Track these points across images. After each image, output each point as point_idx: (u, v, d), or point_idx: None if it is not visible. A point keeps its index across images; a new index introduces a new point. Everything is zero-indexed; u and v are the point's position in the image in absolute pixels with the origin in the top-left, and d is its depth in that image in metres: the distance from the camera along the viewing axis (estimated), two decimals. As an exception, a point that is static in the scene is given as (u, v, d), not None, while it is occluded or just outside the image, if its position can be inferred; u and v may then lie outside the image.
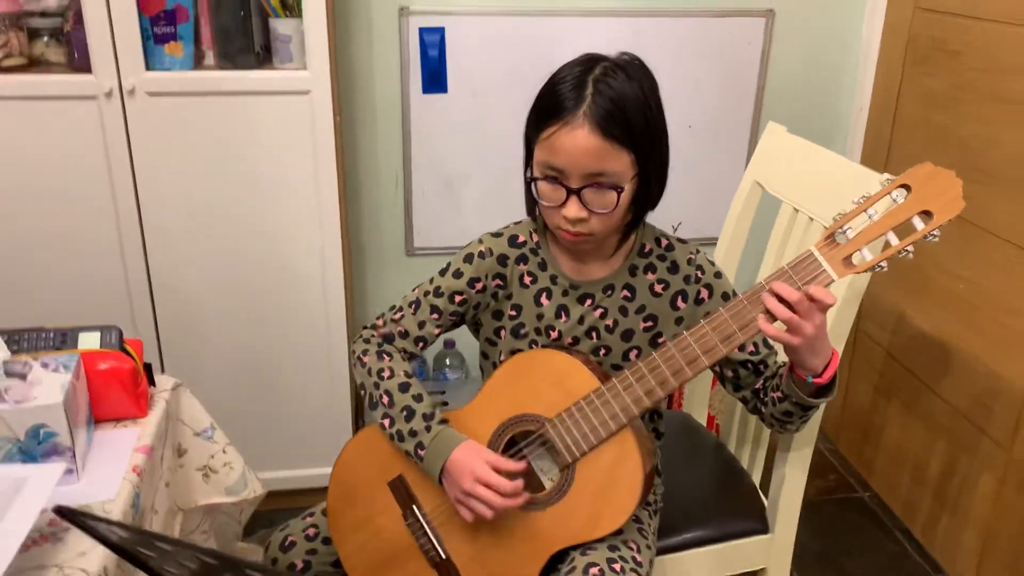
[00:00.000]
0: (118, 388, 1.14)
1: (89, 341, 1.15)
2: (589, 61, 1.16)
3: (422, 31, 2.15)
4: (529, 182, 1.20)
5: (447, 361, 2.45)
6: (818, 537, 2.18)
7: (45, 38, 1.85)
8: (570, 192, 1.14)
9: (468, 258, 1.30)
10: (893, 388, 2.29)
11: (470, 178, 2.32)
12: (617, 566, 1.18)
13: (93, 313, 1.88)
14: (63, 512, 0.72)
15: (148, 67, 1.79)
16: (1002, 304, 1.87)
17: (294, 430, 2.16)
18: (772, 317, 1.09)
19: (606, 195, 1.14)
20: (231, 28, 1.84)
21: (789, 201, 1.57)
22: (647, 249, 1.29)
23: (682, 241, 1.31)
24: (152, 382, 1.23)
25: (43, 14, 1.83)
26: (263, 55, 1.91)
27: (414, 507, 1.28)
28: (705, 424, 1.83)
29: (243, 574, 0.67)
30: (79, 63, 1.80)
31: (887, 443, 2.33)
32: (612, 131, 1.11)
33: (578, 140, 1.11)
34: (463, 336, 2.03)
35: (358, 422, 2.33)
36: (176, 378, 1.31)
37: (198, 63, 1.87)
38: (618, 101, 1.11)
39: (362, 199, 2.32)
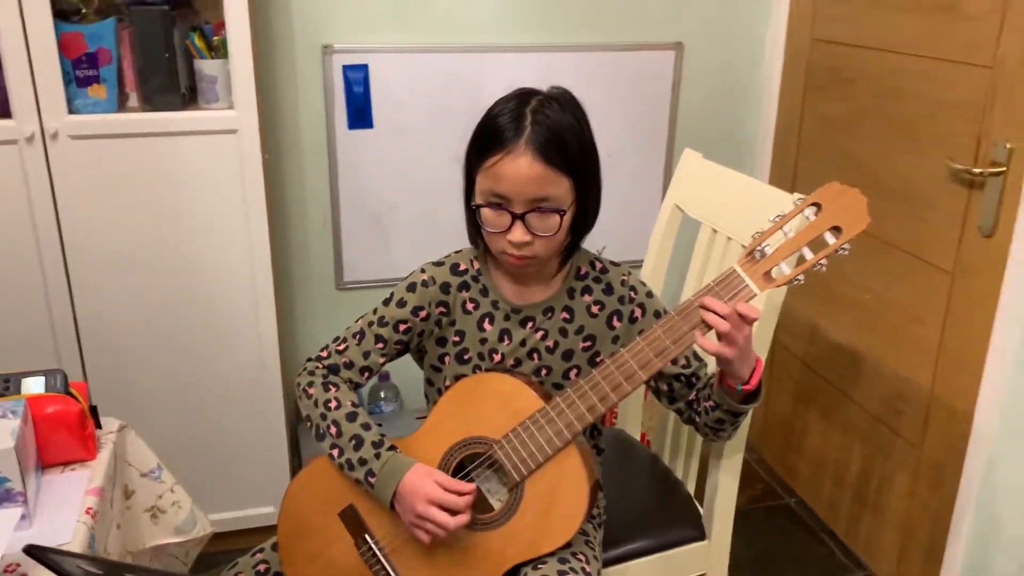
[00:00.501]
0: (65, 432, 1.12)
1: (33, 386, 1.14)
2: (524, 95, 1.22)
3: (346, 68, 2.19)
4: (474, 210, 1.25)
5: (382, 394, 2.46)
6: (749, 544, 2.27)
7: (-40, 83, 1.81)
8: (515, 217, 1.20)
9: (411, 287, 1.34)
10: (811, 397, 2.41)
11: (397, 212, 2.36)
12: (568, 577, 1.23)
13: (18, 358, 1.85)
14: (33, 552, 0.72)
15: (71, 110, 1.78)
16: (906, 312, 2.01)
17: (230, 471, 2.14)
18: (706, 329, 1.16)
19: (549, 219, 1.20)
20: (156, 70, 1.84)
21: (708, 222, 1.66)
22: (583, 272, 1.35)
23: (615, 264, 1.38)
24: (98, 424, 1.22)
25: (-42, 59, 1.80)
26: (188, 95, 1.92)
27: (366, 536, 1.30)
28: (639, 439, 1.89)
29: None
30: (-2, 108, 1.78)
31: (808, 450, 2.45)
32: (552, 158, 1.17)
33: (521, 168, 1.17)
34: (397, 368, 2.06)
35: (295, 460, 2.32)
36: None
37: (122, 105, 1.86)
38: (556, 129, 1.18)
39: (291, 235, 2.32)
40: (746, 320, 1.16)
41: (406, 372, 2.33)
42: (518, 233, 1.20)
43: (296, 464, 2.32)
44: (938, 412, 1.93)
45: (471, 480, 1.26)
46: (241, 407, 2.10)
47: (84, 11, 1.78)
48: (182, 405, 2.05)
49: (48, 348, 1.91)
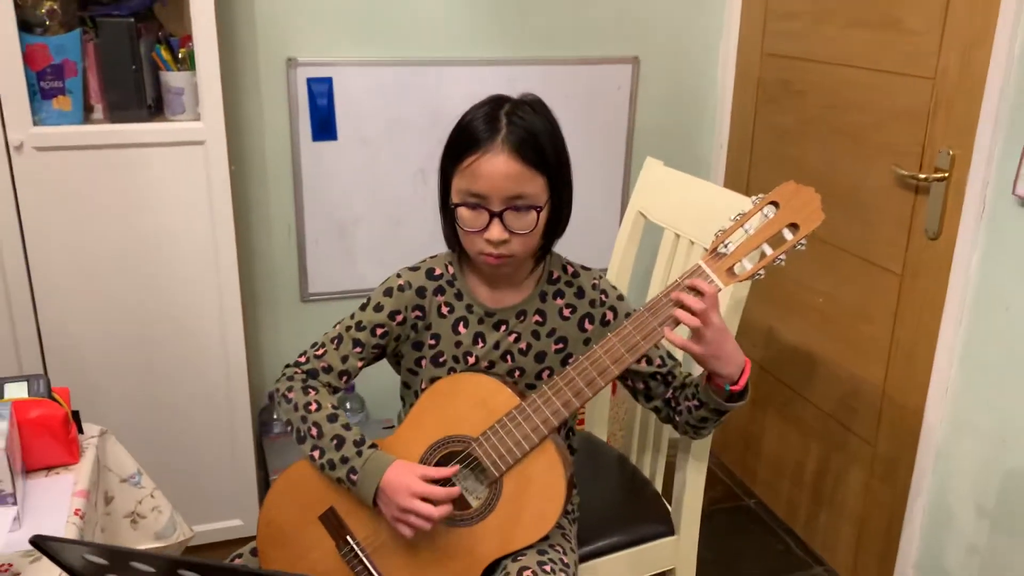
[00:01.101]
0: (49, 435, 1.13)
1: (17, 391, 1.14)
2: (496, 100, 1.27)
3: (310, 81, 2.21)
4: (451, 210, 1.28)
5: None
6: (712, 545, 2.32)
7: (-80, 95, 1.80)
8: (492, 215, 1.24)
9: (388, 292, 1.36)
10: (768, 399, 2.48)
11: (361, 223, 2.38)
12: (548, 567, 1.26)
13: (-20, 375, 1.82)
14: (37, 542, 0.73)
15: (35, 122, 1.78)
16: (856, 312, 2.09)
17: (197, 483, 2.13)
18: (675, 324, 1.21)
19: (526, 216, 1.24)
20: (121, 82, 1.84)
21: (671, 228, 1.72)
22: (555, 276, 1.39)
23: (586, 268, 1.42)
24: (80, 429, 1.22)
25: (-82, 71, 1.78)
26: (154, 107, 1.93)
27: (348, 537, 1.32)
28: (606, 440, 1.94)
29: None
30: (-40, 120, 1.76)
31: (766, 451, 2.52)
32: (528, 156, 1.22)
33: (498, 165, 1.21)
34: (362, 380, 2.08)
35: (262, 472, 2.32)
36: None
37: (87, 117, 1.86)
38: (530, 130, 1.23)
39: (255, 247, 2.33)
40: (707, 302, 1.18)
41: (372, 383, 2.37)
42: (496, 231, 1.24)
43: (263, 477, 2.32)
44: (890, 408, 2.01)
45: (450, 480, 1.29)
46: (207, 421, 2.10)
47: (49, 23, 1.78)
48: (147, 418, 2.04)
49: (10, 360, 1.89)
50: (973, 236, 1.74)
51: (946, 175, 1.79)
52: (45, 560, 0.97)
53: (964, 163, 1.75)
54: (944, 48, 1.78)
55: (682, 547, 1.64)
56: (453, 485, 1.26)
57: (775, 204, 1.23)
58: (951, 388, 1.84)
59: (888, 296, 1.98)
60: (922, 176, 1.84)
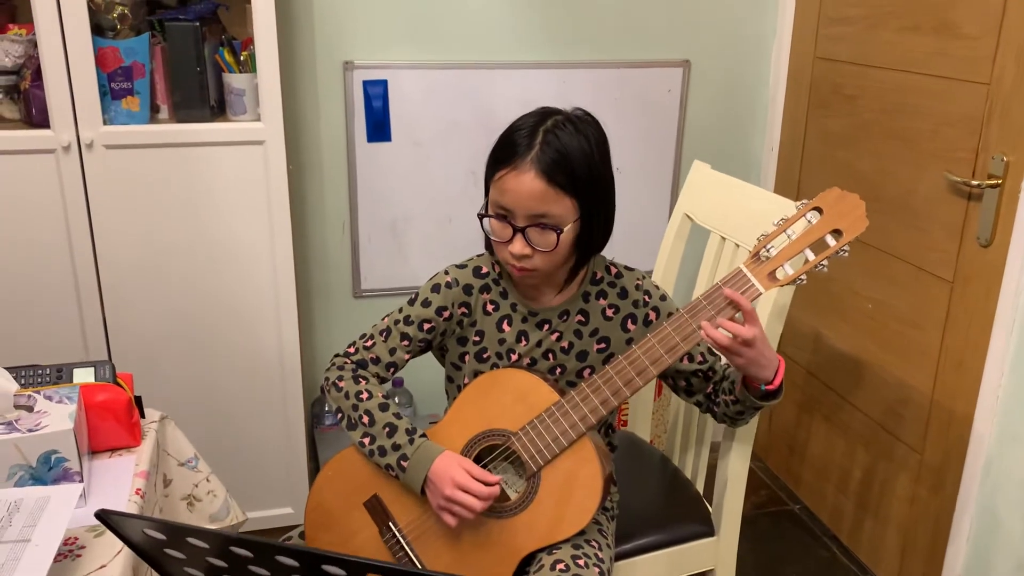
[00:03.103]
0: (113, 419, 1.20)
1: (84, 376, 1.21)
2: (544, 114, 1.29)
3: (366, 84, 2.27)
4: (481, 218, 1.32)
5: (396, 399, 2.53)
6: (755, 549, 2.32)
7: (0, 96, 1.90)
8: (516, 230, 1.27)
9: (435, 288, 1.41)
10: (814, 404, 2.47)
11: (413, 222, 2.43)
12: (581, 561, 1.29)
13: (48, 360, 1.91)
14: (102, 516, 0.79)
15: (105, 121, 1.86)
16: (906, 319, 2.07)
17: (250, 473, 2.20)
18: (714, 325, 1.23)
19: (547, 235, 1.27)
20: (186, 83, 1.92)
21: (716, 231, 1.74)
22: (599, 277, 1.42)
23: (629, 269, 1.45)
24: (143, 414, 1.29)
25: (-1, 72, 1.89)
26: (216, 108, 2.00)
27: (390, 524, 1.36)
28: (649, 441, 1.96)
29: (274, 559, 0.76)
30: (36, 119, 1.86)
31: (812, 456, 2.51)
32: (556, 177, 1.24)
33: (524, 183, 1.24)
34: (409, 374, 2.13)
35: (313, 463, 2.39)
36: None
37: (153, 116, 1.94)
38: (563, 151, 1.24)
39: (310, 244, 2.40)
40: (746, 317, 1.22)
41: (419, 378, 2.42)
42: (518, 245, 1.27)
43: (313, 467, 2.39)
44: (938, 417, 1.99)
45: (493, 471, 1.33)
46: (262, 412, 2.17)
47: (119, 27, 1.86)
48: (204, 408, 2.12)
49: (78, 346, 1.98)
50: (1026, 244, 1.72)
51: (999, 182, 1.77)
52: (108, 535, 1.04)
53: (1018, 170, 1.73)
54: (1000, 53, 1.76)
55: (722, 548, 1.65)
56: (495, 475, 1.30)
57: (819, 210, 1.24)
58: (1001, 397, 1.81)
59: (938, 303, 1.96)
60: (975, 183, 1.82)
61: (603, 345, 1.41)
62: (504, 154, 1.27)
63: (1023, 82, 1.71)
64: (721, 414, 1.42)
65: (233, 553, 0.79)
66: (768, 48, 2.54)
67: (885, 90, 2.11)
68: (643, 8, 2.41)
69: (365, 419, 1.34)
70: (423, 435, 1.33)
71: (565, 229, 1.27)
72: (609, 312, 1.41)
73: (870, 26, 2.15)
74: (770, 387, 1.29)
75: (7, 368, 1.19)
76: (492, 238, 1.31)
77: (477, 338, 1.42)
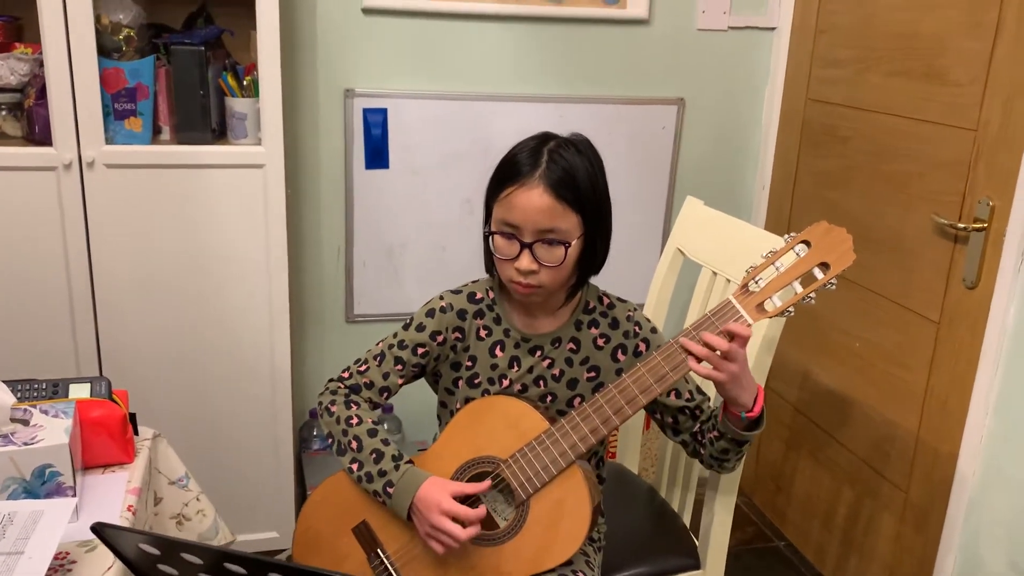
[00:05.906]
0: (107, 435, 1.20)
1: (80, 391, 1.22)
2: (544, 137, 1.33)
3: (366, 111, 2.30)
4: (487, 238, 1.35)
5: (385, 426, 2.52)
6: (740, 584, 2.33)
7: (3, 113, 1.92)
8: (523, 246, 1.29)
9: (430, 313, 1.43)
10: (801, 441, 2.48)
11: (408, 249, 2.45)
12: (569, 590, 1.30)
13: (41, 375, 1.91)
14: (97, 529, 0.80)
15: (107, 141, 1.88)
16: (892, 358, 2.10)
17: (237, 494, 2.20)
18: (699, 359, 1.25)
19: (555, 250, 1.30)
20: (190, 105, 1.95)
21: (708, 266, 1.76)
22: (591, 306, 1.44)
23: (622, 300, 1.47)
24: (136, 431, 1.29)
25: (3, 90, 1.91)
26: (218, 131, 2.03)
27: (378, 550, 1.37)
28: (637, 472, 1.96)
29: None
30: (38, 136, 1.88)
31: (797, 493, 2.51)
32: (563, 193, 1.27)
33: (532, 199, 1.27)
34: (399, 402, 2.14)
35: (300, 488, 2.38)
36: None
37: (155, 138, 1.97)
38: (569, 169, 1.29)
39: (305, 267, 2.42)
40: (739, 342, 1.23)
41: (409, 405, 2.43)
42: (525, 261, 1.30)
43: (300, 492, 2.38)
44: (923, 456, 2.01)
45: (479, 499, 1.34)
46: (252, 432, 2.17)
47: (125, 48, 1.89)
48: (193, 428, 2.12)
49: (70, 364, 1.99)
50: (1011, 287, 1.75)
51: (985, 225, 1.80)
52: (100, 550, 1.04)
53: (1004, 214, 1.77)
54: (986, 101, 1.80)
55: (707, 581, 1.66)
56: (483, 502, 1.30)
57: (807, 243, 1.27)
58: (985, 438, 1.84)
59: (924, 343, 1.99)
60: (961, 225, 1.85)
61: (593, 374, 1.43)
62: (510, 172, 1.30)
63: (1009, 129, 1.75)
64: (708, 455, 1.42)
65: (227, 569, 0.80)
66: (762, 88, 2.59)
67: (875, 132, 2.15)
68: (640, 47, 2.46)
69: (354, 444, 1.35)
70: (409, 461, 1.34)
71: (572, 243, 1.30)
72: (600, 341, 1.43)
73: (861, 70, 2.20)
74: (750, 415, 1.31)
75: (4, 381, 1.20)
76: (497, 256, 1.33)
77: (470, 363, 1.43)
